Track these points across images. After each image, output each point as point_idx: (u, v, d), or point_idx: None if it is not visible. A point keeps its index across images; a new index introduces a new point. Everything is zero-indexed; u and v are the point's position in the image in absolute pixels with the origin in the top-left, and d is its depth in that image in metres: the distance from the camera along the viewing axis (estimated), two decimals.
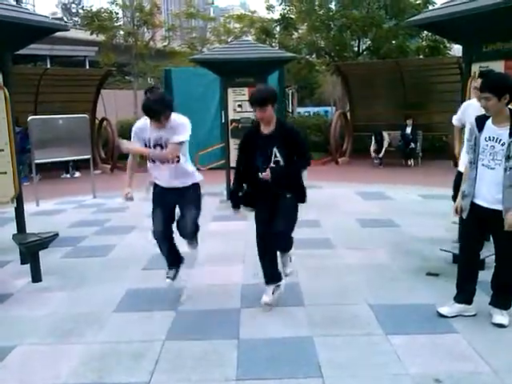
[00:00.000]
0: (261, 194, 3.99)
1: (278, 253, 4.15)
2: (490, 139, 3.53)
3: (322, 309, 4.06)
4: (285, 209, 3.92)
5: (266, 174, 3.80)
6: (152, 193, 4.23)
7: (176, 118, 3.98)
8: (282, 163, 3.84)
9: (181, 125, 3.96)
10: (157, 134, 3.96)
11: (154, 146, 3.99)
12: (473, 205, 3.64)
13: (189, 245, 4.39)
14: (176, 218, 4.21)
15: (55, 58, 19.86)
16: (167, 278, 4.30)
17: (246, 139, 4.05)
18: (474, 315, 3.79)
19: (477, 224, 3.69)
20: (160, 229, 4.14)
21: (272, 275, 4.13)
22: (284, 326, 3.76)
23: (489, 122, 3.56)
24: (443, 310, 3.81)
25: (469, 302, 3.80)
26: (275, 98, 3.84)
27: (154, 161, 4.05)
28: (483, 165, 3.56)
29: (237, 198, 4.15)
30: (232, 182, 4.34)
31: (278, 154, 3.81)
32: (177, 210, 4.20)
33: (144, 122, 4.03)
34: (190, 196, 4.10)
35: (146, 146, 4.03)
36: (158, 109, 3.82)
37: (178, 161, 4.02)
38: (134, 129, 4.10)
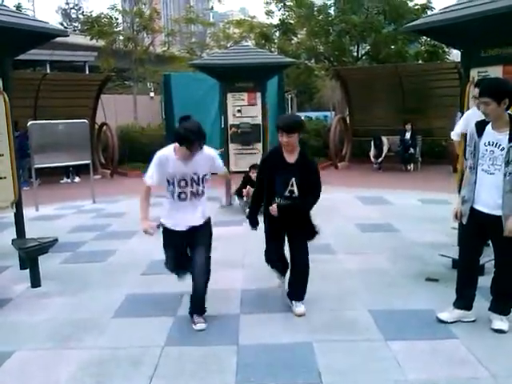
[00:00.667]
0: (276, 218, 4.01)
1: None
2: (489, 144, 3.53)
3: (322, 314, 4.05)
4: (301, 244, 4.12)
5: (273, 210, 3.92)
6: (163, 234, 4.02)
7: (203, 148, 3.79)
8: (295, 193, 3.91)
9: (215, 156, 3.94)
10: (183, 167, 3.75)
11: (179, 182, 3.79)
12: (472, 210, 3.65)
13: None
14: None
15: (55, 63, 19.91)
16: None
17: (269, 160, 4.07)
18: (473, 321, 3.79)
19: (476, 229, 3.69)
20: (176, 266, 4.14)
21: (283, 269, 4.33)
22: (283, 331, 3.76)
23: (488, 127, 3.56)
24: (443, 316, 3.81)
25: (468, 307, 3.80)
26: (302, 129, 3.95)
27: (184, 198, 3.84)
28: (483, 170, 3.57)
29: (255, 216, 4.19)
30: (248, 198, 4.41)
31: (294, 185, 3.89)
32: None
33: (167, 152, 3.78)
34: (204, 233, 3.98)
35: (167, 180, 3.80)
36: (197, 139, 3.63)
37: (201, 195, 3.92)
38: (159, 158, 3.77)
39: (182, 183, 3.80)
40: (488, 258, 4.20)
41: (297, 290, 4.16)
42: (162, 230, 4.00)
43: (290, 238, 4.14)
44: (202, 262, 3.90)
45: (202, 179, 3.86)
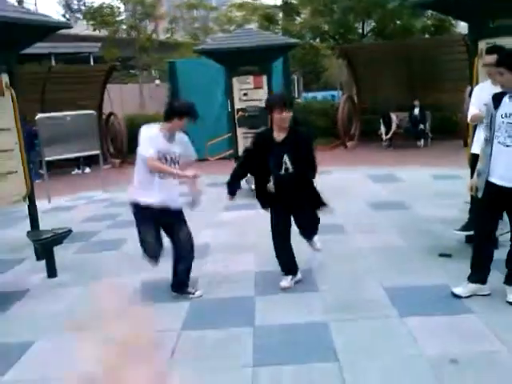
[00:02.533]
0: (275, 196, 4.08)
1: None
2: (506, 116, 3.47)
3: (337, 294, 4.07)
4: (304, 214, 4.18)
5: (270, 187, 4.01)
6: (135, 214, 4.11)
7: (180, 132, 4.10)
8: (291, 170, 3.97)
9: (188, 142, 4.13)
10: (167, 147, 3.96)
11: (160, 159, 3.94)
12: (488, 183, 3.60)
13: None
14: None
15: (59, 55, 19.89)
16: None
17: (259, 143, 4.14)
18: (488, 295, 3.78)
19: (492, 202, 3.65)
20: (156, 246, 4.11)
21: (289, 269, 4.28)
22: (298, 311, 3.78)
23: (505, 99, 3.51)
24: (457, 291, 3.80)
25: (483, 281, 3.78)
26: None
27: (163, 175, 3.97)
28: (499, 142, 3.51)
29: (233, 186, 4.37)
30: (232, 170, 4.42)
31: (287, 162, 3.95)
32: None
33: (154, 131, 3.97)
34: (180, 216, 4.11)
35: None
36: (194, 109, 4.00)
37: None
38: (147, 135, 3.92)
39: (163, 161, 3.96)
40: (502, 230, 4.17)
41: (308, 232, 4.32)
42: (133, 212, 4.10)
43: (295, 214, 4.17)
44: (185, 237, 4.08)
45: (178, 160, 4.03)
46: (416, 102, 13.02)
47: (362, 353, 3.14)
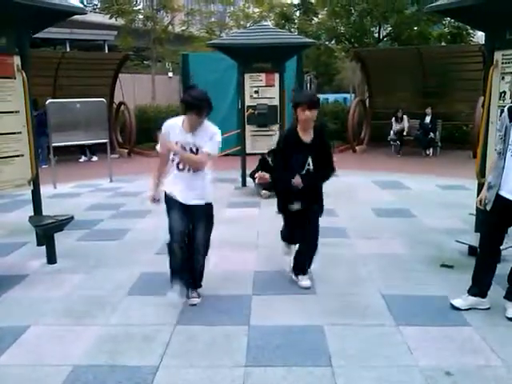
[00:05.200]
0: (294, 195, 4.11)
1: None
2: None
3: (334, 298, 4.04)
4: (314, 220, 4.19)
5: (297, 181, 3.98)
6: (165, 202, 3.97)
7: (209, 124, 3.85)
8: (311, 170, 4.07)
9: (215, 135, 3.84)
10: (185, 138, 3.79)
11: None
12: (498, 196, 3.56)
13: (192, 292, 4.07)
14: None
15: (74, 41, 19.94)
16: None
17: (286, 143, 4.12)
18: (487, 308, 3.74)
19: (500, 216, 3.61)
20: (180, 228, 3.86)
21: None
22: (295, 314, 3.76)
23: None
24: (456, 303, 3.77)
25: (483, 295, 3.74)
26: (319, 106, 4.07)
27: (182, 168, 3.85)
28: None
29: (287, 182, 4.09)
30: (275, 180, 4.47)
31: (311, 163, 4.04)
32: None
33: (175, 121, 3.87)
34: (204, 213, 3.94)
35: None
36: (202, 103, 3.70)
37: (203, 170, 3.88)
38: (166, 124, 3.88)
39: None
40: (506, 244, 4.13)
41: (304, 263, 4.29)
42: (164, 198, 3.99)
43: (304, 214, 4.18)
44: (201, 237, 3.95)
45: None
46: (428, 110, 12.94)
47: (355, 359, 3.11)
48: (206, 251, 4.03)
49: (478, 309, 3.73)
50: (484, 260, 3.77)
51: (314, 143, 4.04)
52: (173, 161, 3.89)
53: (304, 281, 4.27)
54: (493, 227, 3.70)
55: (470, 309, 3.73)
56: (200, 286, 4.11)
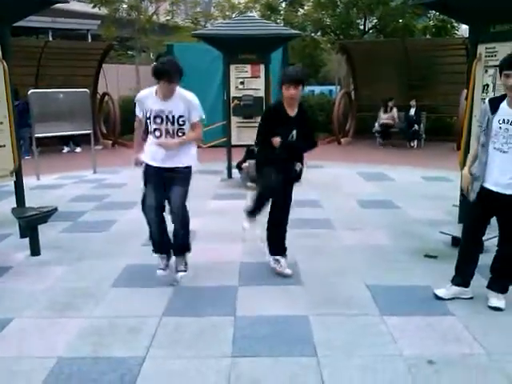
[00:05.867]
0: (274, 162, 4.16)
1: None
2: (504, 122, 3.44)
3: (320, 288, 4.07)
4: (290, 187, 4.30)
5: (275, 140, 4.05)
6: (143, 173, 4.15)
7: (182, 91, 3.96)
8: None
9: (194, 101, 3.97)
10: (160, 105, 3.91)
11: (155, 118, 3.94)
12: (482, 188, 3.60)
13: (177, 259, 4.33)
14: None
15: (57, 30, 19.62)
16: (159, 269, 4.30)
17: (272, 114, 4.25)
18: (470, 298, 3.80)
19: (484, 208, 3.65)
20: (153, 204, 4.09)
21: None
22: (281, 304, 3.78)
23: (503, 104, 3.48)
24: (440, 292, 3.82)
25: (466, 284, 3.80)
26: (307, 80, 4.20)
27: (159, 135, 3.98)
28: (495, 148, 3.49)
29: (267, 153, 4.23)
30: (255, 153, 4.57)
31: (294, 136, 4.14)
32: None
33: (149, 91, 4.00)
34: (181, 177, 4.06)
35: (146, 116, 3.99)
36: (172, 69, 3.80)
37: (176, 135, 3.99)
38: (137, 97, 4.06)
39: (158, 120, 3.95)
40: (489, 235, 4.19)
41: (283, 239, 4.43)
42: (143, 169, 4.14)
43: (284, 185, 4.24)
44: (178, 203, 4.05)
45: (177, 120, 3.95)
46: (413, 102, 13.02)
47: (340, 349, 3.14)
48: (184, 222, 4.15)
49: (461, 298, 3.79)
50: (467, 250, 3.82)
51: (298, 117, 4.16)
52: (148, 128, 4.02)
53: (286, 269, 4.34)
54: (476, 218, 3.75)
55: (453, 298, 3.78)
56: (187, 250, 4.31)
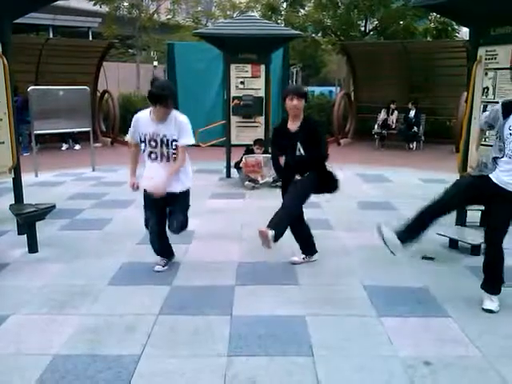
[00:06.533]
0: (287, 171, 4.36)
1: None
2: None
3: (316, 288, 4.07)
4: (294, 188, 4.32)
5: (280, 161, 4.30)
6: (143, 196, 4.22)
7: (177, 114, 3.98)
8: (303, 154, 4.25)
9: (185, 125, 3.98)
10: (154, 128, 3.94)
11: (150, 141, 3.98)
12: (487, 177, 3.55)
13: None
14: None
15: (58, 28, 19.63)
16: (157, 265, 4.41)
17: (275, 133, 4.56)
18: (393, 253, 3.79)
19: (474, 190, 3.63)
20: (155, 229, 4.23)
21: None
22: (277, 304, 3.77)
23: None
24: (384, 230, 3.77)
25: (403, 241, 3.72)
26: (307, 97, 4.36)
27: (154, 158, 4.03)
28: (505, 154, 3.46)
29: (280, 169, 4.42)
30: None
31: (301, 149, 4.23)
32: None
33: (144, 113, 4.02)
34: (181, 201, 4.14)
35: (140, 139, 4.02)
36: (169, 94, 3.82)
37: (173, 160, 4.03)
38: (135, 117, 4.08)
39: (153, 143, 3.98)
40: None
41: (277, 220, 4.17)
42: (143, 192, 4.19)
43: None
44: (178, 221, 4.13)
45: (171, 143, 3.97)
46: (410, 105, 13.02)
47: (337, 349, 3.14)
48: (185, 226, 4.24)
49: (456, 298, 3.78)
50: (430, 211, 3.72)
51: (300, 131, 4.23)
52: (144, 151, 4.04)
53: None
54: (461, 192, 3.70)
55: (447, 300, 3.78)
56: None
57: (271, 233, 3.93)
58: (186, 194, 4.17)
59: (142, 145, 4.03)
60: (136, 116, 4.07)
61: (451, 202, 3.74)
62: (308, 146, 4.21)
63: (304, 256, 4.65)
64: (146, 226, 4.31)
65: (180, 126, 3.96)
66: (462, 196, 3.74)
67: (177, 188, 4.08)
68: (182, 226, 4.18)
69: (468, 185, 3.73)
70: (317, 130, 4.33)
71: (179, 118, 3.98)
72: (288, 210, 4.21)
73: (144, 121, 3.98)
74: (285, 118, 4.42)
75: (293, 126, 4.29)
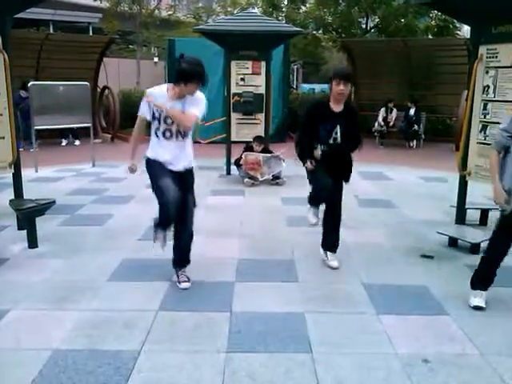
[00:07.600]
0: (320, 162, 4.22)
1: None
2: None
3: (316, 286, 4.08)
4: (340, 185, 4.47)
5: (316, 154, 4.15)
6: (152, 166, 3.84)
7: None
8: (338, 141, 4.17)
9: (200, 100, 3.78)
10: (171, 105, 3.69)
11: (166, 118, 3.73)
12: None
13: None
14: None
15: (58, 23, 19.55)
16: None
17: (315, 110, 4.27)
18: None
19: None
20: (175, 196, 3.70)
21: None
22: (277, 301, 3.78)
23: None
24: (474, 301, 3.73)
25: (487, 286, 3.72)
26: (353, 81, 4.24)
27: (169, 136, 3.79)
28: None
29: (307, 154, 4.20)
30: (296, 146, 4.33)
31: (338, 133, 4.14)
32: None
33: (160, 89, 3.78)
34: (189, 181, 3.95)
35: (154, 115, 3.75)
36: (203, 71, 3.61)
37: (186, 136, 3.85)
38: (149, 91, 3.77)
39: (169, 120, 3.74)
40: (484, 237, 4.20)
41: (334, 240, 4.52)
42: (146, 167, 3.91)
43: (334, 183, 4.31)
44: (191, 199, 3.94)
45: None
46: (409, 104, 13.01)
47: (335, 346, 3.15)
48: (192, 232, 4.07)
49: (455, 298, 3.79)
50: (491, 255, 3.68)
51: (343, 113, 4.14)
52: (157, 129, 3.79)
53: (333, 261, 4.47)
54: (507, 229, 3.60)
55: (447, 298, 3.79)
56: (188, 262, 4.14)
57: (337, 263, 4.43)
58: (192, 173, 4.00)
59: (156, 122, 3.77)
60: (149, 91, 3.77)
61: (503, 250, 3.65)
62: (345, 131, 4.13)
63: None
64: (163, 200, 3.72)
65: (196, 100, 3.75)
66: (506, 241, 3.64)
67: (191, 164, 3.92)
68: (194, 204, 4.00)
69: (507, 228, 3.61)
70: (357, 115, 4.33)
71: (198, 94, 3.79)
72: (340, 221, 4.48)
73: (159, 97, 3.71)
74: (326, 98, 4.26)
75: (336, 107, 4.16)
